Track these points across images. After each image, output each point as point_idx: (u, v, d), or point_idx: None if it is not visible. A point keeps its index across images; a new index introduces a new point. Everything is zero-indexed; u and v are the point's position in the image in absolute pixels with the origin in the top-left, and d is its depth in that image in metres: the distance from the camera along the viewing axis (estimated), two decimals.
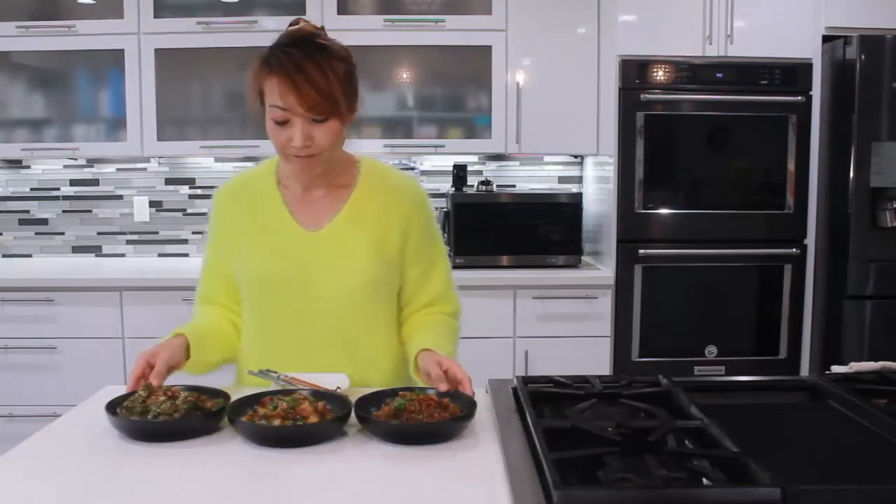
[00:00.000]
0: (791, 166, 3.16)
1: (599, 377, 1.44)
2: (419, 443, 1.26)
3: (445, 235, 3.24)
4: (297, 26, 1.49)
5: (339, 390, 1.44)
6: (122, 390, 1.42)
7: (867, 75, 3.01)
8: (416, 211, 1.62)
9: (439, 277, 1.66)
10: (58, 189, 3.75)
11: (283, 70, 1.41)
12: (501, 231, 3.34)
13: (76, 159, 3.67)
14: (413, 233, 1.60)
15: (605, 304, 3.19)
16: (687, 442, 1.18)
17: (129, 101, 3.33)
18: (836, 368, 1.58)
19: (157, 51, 3.30)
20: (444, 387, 1.37)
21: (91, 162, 3.72)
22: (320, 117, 1.44)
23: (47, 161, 3.69)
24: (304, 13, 3.22)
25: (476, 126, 3.44)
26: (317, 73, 1.41)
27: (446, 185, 3.59)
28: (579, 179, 3.76)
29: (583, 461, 1.06)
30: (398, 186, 1.63)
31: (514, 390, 1.41)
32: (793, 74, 3.12)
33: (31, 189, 3.75)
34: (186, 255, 3.76)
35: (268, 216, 1.59)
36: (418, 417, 1.29)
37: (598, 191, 3.47)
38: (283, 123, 1.45)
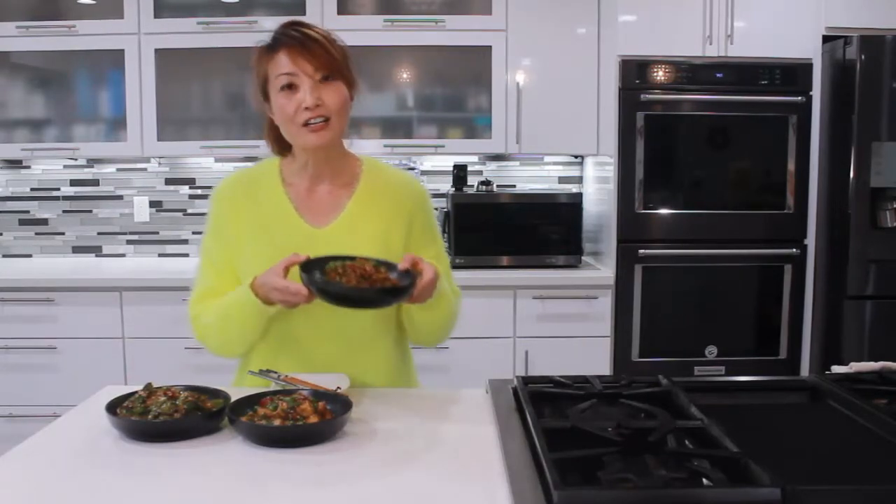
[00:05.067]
0: (791, 166, 3.16)
1: (599, 377, 1.44)
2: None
3: (445, 235, 3.24)
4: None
5: (339, 390, 1.44)
6: (122, 390, 1.42)
7: (867, 75, 3.00)
8: (418, 207, 1.65)
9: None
10: (58, 189, 3.75)
11: (290, 41, 1.49)
12: (501, 231, 3.34)
13: (76, 159, 3.67)
14: (415, 228, 1.62)
15: (605, 304, 3.18)
16: (687, 442, 1.18)
17: (129, 102, 3.33)
18: (836, 368, 1.58)
19: (157, 51, 3.30)
20: (403, 264, 1.45)
21: (91, 162, 3.71)
22: (327, 73, 1.49)
23: (47, 161, 3.69)
24: (304, 13, 3.23)
25: (476, 126, 3.44)
26: (322, 39, 1.50)
27: (446, 186, 3.58)
28: (579, 179, 3.76)
29: (583, 461, 1.06)
30: (400, 183, 1.67)
31: (514, 390, 1.41)
32: (793, 74, 3.12)
33: (32, 189, 3.75)
34: (186, 255, 3.76)
35: (273, 213, 1.59)
36: (342, 280, 1.36)
37: (598, 191, 3.47)
38: (290, 89, 1.49)
